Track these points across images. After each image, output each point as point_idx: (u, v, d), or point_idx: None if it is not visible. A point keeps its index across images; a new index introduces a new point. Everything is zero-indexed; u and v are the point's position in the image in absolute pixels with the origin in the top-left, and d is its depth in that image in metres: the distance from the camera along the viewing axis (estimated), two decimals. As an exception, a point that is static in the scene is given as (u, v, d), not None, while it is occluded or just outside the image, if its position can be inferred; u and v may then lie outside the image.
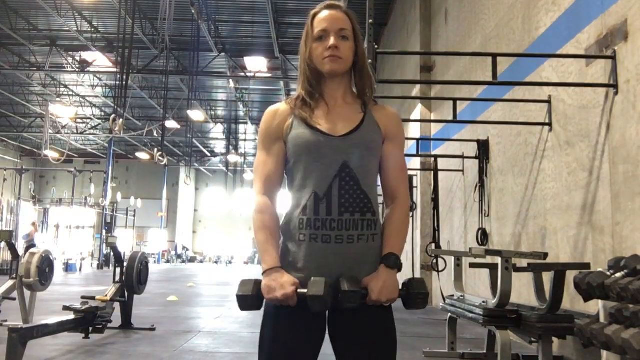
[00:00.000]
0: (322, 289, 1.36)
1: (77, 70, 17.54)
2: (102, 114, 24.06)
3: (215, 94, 22.19)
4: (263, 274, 1.45)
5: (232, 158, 29.50)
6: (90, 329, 4.80)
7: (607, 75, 3.82)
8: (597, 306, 3.07)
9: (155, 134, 23.33)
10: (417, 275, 9.10)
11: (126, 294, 5.75)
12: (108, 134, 24.89)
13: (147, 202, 29.01)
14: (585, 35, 4.15)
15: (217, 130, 27.44)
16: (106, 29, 15.45)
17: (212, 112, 23.77)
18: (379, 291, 1.41)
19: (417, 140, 7.60)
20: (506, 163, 5.85)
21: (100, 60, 16.65)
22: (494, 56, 4.07)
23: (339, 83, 1.56)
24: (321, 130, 1.49)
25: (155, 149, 14.87)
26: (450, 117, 5.45)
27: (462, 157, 7.06)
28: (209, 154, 31.43)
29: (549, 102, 4.80)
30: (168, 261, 31.88)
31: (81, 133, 26.31)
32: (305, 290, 1.38)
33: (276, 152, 1.54)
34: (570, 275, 3.19)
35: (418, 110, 9.40)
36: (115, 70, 16.19)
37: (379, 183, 1.59)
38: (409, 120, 9.27)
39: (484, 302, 3.71)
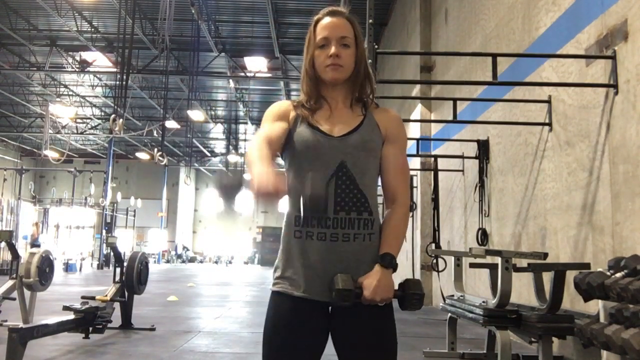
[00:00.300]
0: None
1: (77, 70, 17.54)
2: (102, 114, 24.06)
3: (215, 94, 22.19)
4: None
5: (232, 158, 29.49)
6: (90, 329, 4.80)
7: (607, 75, 3.82)
8: (597, 306, 3.08)
9: (155, 134, 23.33)
10: (417, 275, 9.10)
11: (126, 294, 5.75)
12: (108, 134, 24.88)
13: (147, 202, 29.01)
14: (585, 35, 4.15)
15: (217, 130, 27.45)
16: (106, 29, 15.45)
17: (212, 112, 23.78)
18: (373, 290, 1.42)
19: (417, 140, 7.60)
20: (506, 163, 5.85)
21: (100, 60, 16.65)
22: (494, 56, 4.07)
23: (339, 89, 1.58)
24: (321, 129, 1.52)
25: (155, 149, 14.88)
26: (450, 117, 5.45)
27: (462, 157, 7.06)
28: (209, 154, 31.43)
29: (549, 102, 4.80)
30: (168, 261, 31.88)
31: (81, 133, 26.32)
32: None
33: (281, 126, 1.53)
34: (570, 275, 3.19)
35: (418, 110, 9.40)
36: (115, 70, 16.19)
37: (379, 183, 1.60)
38: (409, 120, 9.26)
39: (484, 302, 3.71)
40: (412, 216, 9.60)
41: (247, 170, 1.39)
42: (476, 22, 6.99)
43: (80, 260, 20.69)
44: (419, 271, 9.10)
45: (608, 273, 2.71)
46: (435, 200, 7.10)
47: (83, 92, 21.40)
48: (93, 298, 5.17)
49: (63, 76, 19.45)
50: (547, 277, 3.48)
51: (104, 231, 22.88)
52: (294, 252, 1.49)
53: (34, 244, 15.56)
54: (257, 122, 23.87)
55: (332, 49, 1.51)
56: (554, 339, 3.57)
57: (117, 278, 5.75)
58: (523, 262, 3.84)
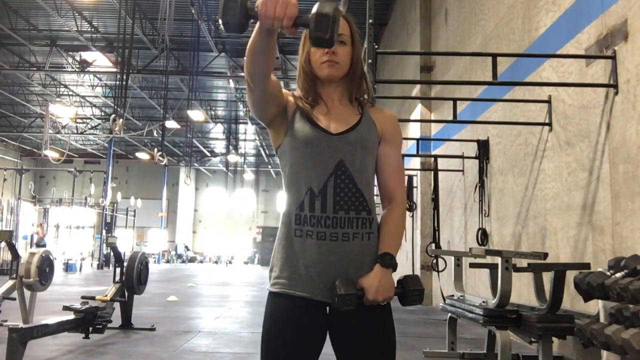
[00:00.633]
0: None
1: (77, 70, 17.54)
2: (102, 114, 24.05)
3: (215, 94, 22.19)
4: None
5: (232, 158, 29.49)
6: (90, 329, 4.80)
7: (607, 75, 3.82)
8: (597, 306, 3.08)
9: (155, 134, 23.33)
10: (417, 274, 9.08)
11: (126, 294, 5.75)
12: (108, 134, 24.88)
13: (147, 202, 29.00)
14: (585, 35, 4.15)
15: (217, 130, 27.45)
16: (106, 29, 15.45)
17: (212, 112, 23.77)
18: (375, 291, 1.42)
19: (417, 140, 7.60)
20: (506, 163, 5.85)
21: (100, 60, 16.64)
22: (494, 56, 4.07)
23: (335, 87, 1.58)
24: (320, 126, 1.51)
25: (155, 149, 14.88)
26: (450, 117, 5.45)
27: (462, 157, 7.06)
28: (209, 154, 31.42)
29: (549, 102, 4.80)
30: (168, 261, 31.88)
31: (81, 133, 26.31)
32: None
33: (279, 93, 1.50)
34: (570, 275, 3.20)
35: (418, 110, 9.40)
36: (115, 70, 16.18)
37: (376, 183, 1.60)
38: (409, 120, 9.28)
39: (484, 302, 3.71)
40: (412, 216, 9.60)
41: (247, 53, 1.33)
42: (476, 22, 6.99)
43: (80, 260, 20.69)
44: (419, 271, 9.10)
45: (608, 273, 2.71)
46: (435, 200, 7.10)
47: (83, 92, 21.39)
48: (93, 298, 5.17)
49: (63, 76, 19.45)
50: (547, 277, 3.48)
51: (104, 231, 22.87)
52: (293, 251, 1.48)
53: (39, 244, 15.53)
54: (257, 122, 23.85)
55: None
56: (554, 339, 3.57)
57: (117, 278, 5.75)
58: (523, 262, 3.84)
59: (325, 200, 1.46)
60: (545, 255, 3.40)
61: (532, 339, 3.60)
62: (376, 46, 4.39)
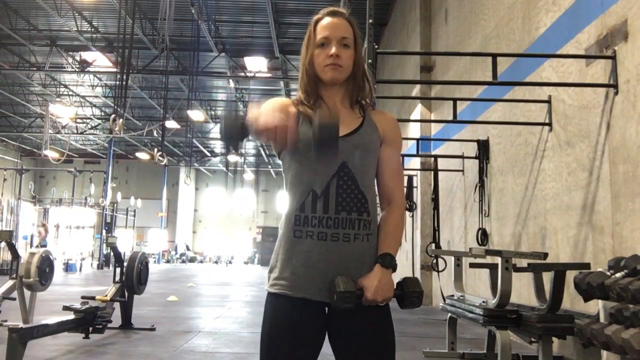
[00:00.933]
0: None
1: (77, 70, 17.54)
2: (102, 114, 24.05)
3: (215, 94, 22.19)
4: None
5: (232, 158, 29.49)
6: (90, 329, 4.80)
7: (607, 75, 3.82)
8: (597, 306, 3.08)
9: (155, 134, 23.32)
10: (417, 275, 9.09)
11: (126, 294, 5.75)
12: (108, 134, 24.88)
13: (147, 202, 29.00)
14: (585, 35, 4.15)
15: (217, 130, 27.43)
16: (106, 29, 15.45)
17: (212, 112, 23.78)
18: (375, 291, 1.42)
19: (417, 140, 7.60)
20: (506, 163, 5.85)
21: (100, 60, 16.65)
22: (494, 56, 4.07)
23: (337, 89, 1.59)
24: None
25: (155, 149, 14.87)
26: (450, 117, 5.45)
27: (462, 157, 7.06)
28: (209, 154, 31.42)
29: (549, 102, 4.80)
30: (168, 261, 31.88)
31: (81, 133, 26.31)
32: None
33: (282, 117, 1.48)
34: (570, 275, 3.20)
35: (418, 110, 9.40)
36: (115, 70, 16.18)
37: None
38: (409, 120, 9.28)
39: (484, 302, 3.71)
40: (412, 216, 9.60)
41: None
42: (476, 22, 6.99)
43: (80, 260, 20.68)
44: (419, 271, 9.10)
45: (608, 273, 2.71)
46: (435, 200, 7.10)
47: (83, 92, 21.39)
48: (93, 298, 5.17)
49: (63, 76, 19.45)
50: (547, 277, 3.48)
51: (104, 231, 22.87)
52: (293, 252, 1.48)
53: (42, 244, 15.53)
54: (257, 122, 23.82)
55: (333, 49, 1.51)
56: (554, 339, 3.57)
57: (117, 278, 5.75)
58: (523, 262, 3.84)
59: (327, 201, 1.46)
60: (545, 255, 3.40)
61: (532, 339, 3.60)
62: (376, 46, 4.39)
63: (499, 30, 6.15)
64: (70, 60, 17.22)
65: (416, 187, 9.41)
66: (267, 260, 30.73)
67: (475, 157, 6.49)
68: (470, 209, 7.04)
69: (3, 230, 10.33)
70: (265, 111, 1.35)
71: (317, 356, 1.49)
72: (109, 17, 14.40)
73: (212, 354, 4.62)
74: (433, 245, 6.86)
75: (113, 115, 11.51)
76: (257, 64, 16.33)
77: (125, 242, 24.78)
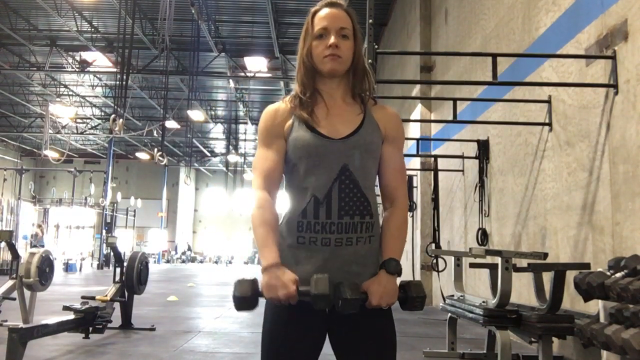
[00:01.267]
0: (326, 287, 1.35)
1: (77, 70, 17.54)
2: (102, 114, 24.06)
3: (215, 94, 22.20)
4: (263, 270, 1.42)
5: (232, 158, 29.50)
6: (90, 329, 4.79)
7: (607, 75, 3.82)
8: (597, 306, 3.08)
9: (155, 134, 23.32)
10: (417, 275, 9.09)
11: (126, 294, 5.75)
12: (108, 134, 24.88)
13: (147, 202, 29.01)
14: (585, 35, 4.15)
15: (217, 130, 27.45)
16: (106, 29, 15.45)
17: (212, 112, 23.78)
18: (380, 296, 1.40)
19: (417, 140, 7.60)
20: (506, 163, 5.85)
21: (100, 60, 16.65)
22: (494, 56, 4.07)
23: (338, 82, 1.54)
24: (322, 133, 1.47)
25: (155, 149, 14.87)
26: (450, 117, 5.45)
27: (462, 157, 7.06)
28: (209, 154, 31.43)
29: (549, 102, 4.80)
30: (168, 261, 31.88)
31: (81, 133, 26.32)
32: (308, 288, 1.36)
33: (277, 149, 1.51)
34: (570, 275, 3.20)
35: (418, 110, 9.40)
36: (115, 70, 16.19)
37: (377, 183, 1.59)
38: (409, 120, 9.27)
39: (484, 302, 3.71)
40: (412, 216, 9.60)
41: (253, 232, 1.48)
42: (476, 22, 6.99)
43: (80, 260, 20.69)
44: (419, 271, 9.10)
45: (608, 273, 2.71)
46: (435, 200, 7.10)
47: (83, 92, 21.40)
48: (93, 298, 5.17)
49: (63, 76, 19.45)
50: (547, 277, 3.48)
51: (104, 231, 22.87)
52: (296, 258, 1.46)
53: (39, 244, 15.54)
54: (257, 122, 23.75)
55: (332, 39, 1.48)
56: (554, 339, 3.57)
57: (117, 278, 5.75)
58: (523, 262, 3.84)
59: (330, 206, 1.44)
60: (545, 255, 3.40)
61: (532, 339, 3.60)
62: (376, 46, 4.38)
63: (499, 30, 6.15)
64: (70, 60, 17.22)
65: (416, 187, 9.41)
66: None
67: (475, 157, 6.49)
68: (470, 209, 7.04)
69: (3, 230, 10.33)
70: (274, 283, 1.38)
71: (318, 356, 1.49)
72: (109, 17, 14.40)
73: (212, 354, 4.62)
74: (433, 245, 6.86)
75: (113, 115, 11.51)
76: (257, 64, 16.34)
77: (125, 242, 24.78)
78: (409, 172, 9.16)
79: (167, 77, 15.45)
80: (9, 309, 5.57)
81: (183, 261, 32.89)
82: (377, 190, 1.60)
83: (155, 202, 31.32)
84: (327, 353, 1.53)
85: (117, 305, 5.66)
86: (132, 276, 5.74)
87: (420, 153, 7.78)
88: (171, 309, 8.01)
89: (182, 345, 4.93)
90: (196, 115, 19.72)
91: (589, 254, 4.01)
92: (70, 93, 21.35)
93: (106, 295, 5.33)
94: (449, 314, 4.30)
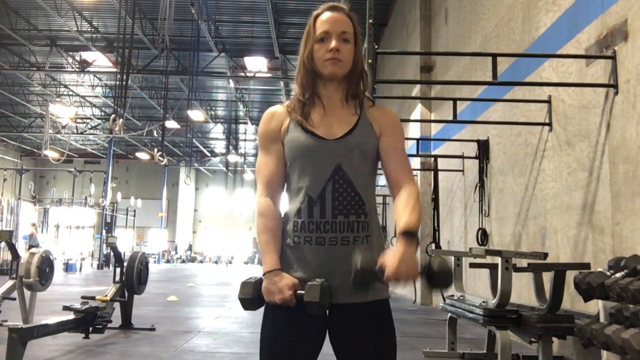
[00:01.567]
0: (317, 294, 1.36)
1: (77, 70, 17.54)
2: (102, 114, 24.06)
3: (215, 94, 22.20)
4: (263, 275, 1.46)
5: (232, 158, 29.51)
6: (90, 329, 4.79)
7: (607, 75, 3.82)
8: (597, 306, 3.08)
9: (155, 134, 23.33)
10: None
11: (126, 294, 5.75)
12: (108, 134, 24.89)
13: (147, 202, 29.01)
14: (585, 35, 4.15)
15: (217, 130, 27.46)
16: (106, 29, 15.45)
17: (212, 112, 23.78)
18: (397, 267, 1.33)
19: (417, 140, 7.60)
20: (506, 163, 5.85)
21: (100, 60, 16.65)
22: (494, 56, 4.07)
23: (337, 85, 1.56)
24: (316, 133, 1.50)
25: (155, 149, 14.87)
26: (450, 117, 5.45)
27: (462, 157, 7.06)
28: (209, 154, 31.44)
29: (549, 102, 4.80)
30: (168, 261, 31.89)
31: (81, 133, 26.32)
32: (303, 293, 1.39)
33: (276, 153, 1.55)
34: (570, 275, 3.20)
35: (418, 110, 9.40)
36: (115, 70, 16.19)
37: (379, 183, 1.59)
38: (409, 120, 9.27)
39: (484, 302, 3.71)
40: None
41: (256, 237, 1.54)
42: (476, 22, 6.99)
43: (80, 260, 20.70)
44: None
45: (608, 273, 2.72)
46: (435, 200, 7.10)
47: (83, 92, 21.40)
48: (93, 298, 5.17)
49: (63, 76, 19.45)
50: (547, 277, 3.48)
51: (104, 231, 22.88)
52: (291, 258, 1.48)
53: (33, 244, 15.55)
54: (257, 122, 23.85)
55: (333, 43, 1.50)
56: (554, 339, 3.57)
57: (117, 278, 5.75)
58: (523, 262, 3.84)
59: (324, 206, 1.45)
60: (545, 255, 3.40)
61: (532, 339, 3.60)
62: (376, 46, 4.38)
63: (499, 30, 6.15)
64: (70, 60, 17.23)
65: (416, 187, 9.39)
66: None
67: (475, 157, 6.49)
68: (470, 209, 7.04)
69: (3, 230, 10.32)
70: (271, 288, 1.44)
71: (317, 355, 1.49)
72: (109, 17, 14.40)
73: (212, 354, 4.62)
74: (433, 245, 6.87)
75: (113, 115, 11.51)
76: (257, 64, 16.34)
77: (125, 242, 24.79)
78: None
79: (167, 77, 15.46)
80: (9, 309, 5.57)
81: (183, 261, 32.91)
82: (378, 191, 1.60)
83: (155, 202, 31.33)
84: (327, 353, 1.53)
85: (117, 305, 5.66)
86: (132, 276, 5.74)
87: (420, 153, 7.79)
88: (171, 309, 8.01)
89: (182, 345, 4.93)
90: (196, 115, 19.73)
91: (589, 254, 4.01)
92: (70, 93, 21.36)
93: (106, 295, 5.33)
94: (449, 314, 4.30)
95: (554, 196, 4.65)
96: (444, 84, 8.39)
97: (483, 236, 6.34)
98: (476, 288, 6.42)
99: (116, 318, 5.53)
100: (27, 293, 5.29)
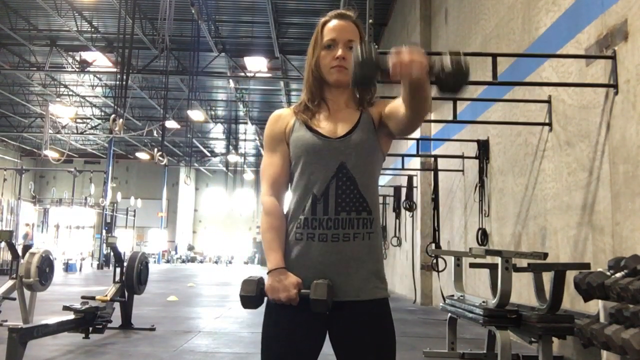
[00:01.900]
0: (324, 292, 1.39)
1: (77, 70, 17.54)
2: (102, 114, 24.06)
3: (215, 94, 22.19)
4: (268, 273, 1.48)
5: (232, 158, 29.51)
6: (90, 329, 4.79)
7: (607, 75, 3.82)
8: (597, 306, 3.08)
9: (155, 134, 23.32)
10: (417, 275, 9.10)
11: (126, 294, 5.75)
12: (108, 134, 24.88)
13: (147, 202, 29.01)
14: (585, 35, 4.15)
15: (217, 130, 27.45)
16: (106, 29, 15.45)
17: (212, 112, 23.77)
18: (403, 50, 1.21)
19: (417, 140, 7.59)
20: (506, 163, 5.85)
21: (100, 60, 16.64)
22: (494, 56, 4.07)
23: (342, 90, 1.59)
24: (320, 132, 1.53)
25: (155, 149, 14.87)
26: (450, 117, 5.45)
27: (462, 157, 7.06)
28: (209, 154, 31.43)
29: (549, 102, 4.80)
30: (168, 261, 31.89)
31: (81, 133, 26.32)
32: (308, 291, 1.41)
33: (281, 154, 1.58)
34: (570, 275, 3.20)
35: (418, 110, 9.37)
36: (115, 70, 16.18)
37: (379, 183, 1.60)
38: (409, 120, 9.26)
39: (484, 302, 3.71)
40: (412, 216, 9.60)
41: (262, 238, 1.54)
42: (476, 22, 6.99)
43: (80, 260, 20.69)
44: (419, 271, 9.10)
45: (608, 273, 2.72)
46: (435, 200, 7.10)
47: (83, 92, 21.40)
48: (93, 298, 5.17)
49: (63, 76, 19.45)
50: (547, 277, 3.48)
51: (104, 231, 22.88)
52: (294, 255, 1.50)
53: (27, 243, 15.56)
54: (257, 122, 23.89)
55: (339, 51, 1.53)
56: (554, 339, 3.57)
57: (117, 278, 5.75)
58: (523, 262, 3.84)
59: (327, 203, 1.48)
60: (545, 255, 3.40)
61: (532, 339, 3.60)
62: (376, 46, 4.38)
63: (499, 30, 6.15)
64: (70, 60, 17.22)
65: (416, 187, 9.41)
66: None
67: (475, 157, 6.49)
68: (470, 209, 7.04)
69: (3, 230, 10.33)
70: (276, 285, 1.44)
71: (318, 353, 1.50)
72: (109, 17, 14.40)
73: (212, 354, 4.62)
74: (433, 245, 6.86)
75: (113, 115, 11.51)
76: (257, 64, 16.33)
77: (125, 242, 24.79)
78: (409, 172, 9.16)
79: (167, 77, 15.45)
80: (9, 309, 5.57)
81: (183, 261, 32.90)
82: (381, 190, 1.60)
83: (155, 202, 31.33)
84: (327, 353, 1.53)
85: (117, 305, 5.66)
86: (132, 276, 5.74)
87: (420, 153, 7.78)
88: (171, 309, 8.01)
89: (182, 345, 4.93)
90: (196, 115, 19.72)
91: (589, 254, 4.01)
92: (70, 93, 21.35)
93: (106, 295, 5.33)
94: (449, 314, 4.30)
95: (554, 196, 4.65)
96: (444, 84, 8.37)
97: (483, 236, 6.33)
98: (476, 288, 6.42)
99: (116, 318, 5.53)
100: (27, 293, 5.29)
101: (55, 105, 20.60)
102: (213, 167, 35.84)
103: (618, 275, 2.61)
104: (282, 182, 1.57)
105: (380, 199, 11.42)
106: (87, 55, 16.92)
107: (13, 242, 5.94)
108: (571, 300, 4.04)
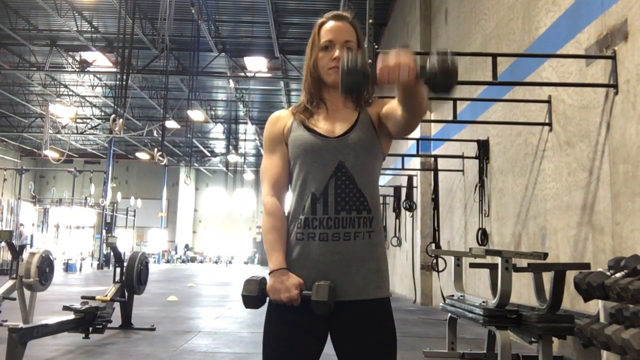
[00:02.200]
0: (326, 294, 1.39)
1: (77, 70, 17.54)
2: (102, 114, 24.06)
3: (215, 94, 22.19)
4: (270, 273, 1.48)
5: (232, 158, 29.51)
6: (90, 329, 4.79)
7: (607, 75, 3.82)
8: (597, 306, 3.08)
9: (155, 134, 23.33)
10: (417, 275, 9.10)
11: (126, 294, 5.75)
12: (108, 134, 24.88)
13: (147, 202, 29.01)
14: (585, 35, 4.15)
15: (217, 130, 27.45)
16: (106, 29, 15.45)
17: (212, 112, 23.77)
18: (390, 55, 1.19)
19: (417, 140, 7.59)
20: (506, 163, 5.85)
21: (100, 60, 16.64)
22: (494, 56, 4.07)
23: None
24: (318, 132, 1.54)
25: (155, 149, 14.87)
26: (450, 117, 5.45)
27: (462, 157, 7.06)
28: (209, 154, 31.43)
29: (549, 102, 4.80)
30: (168, 261, 31.89)
31: (81, 133, 26.31)
32: (310, 293, 1.41)
33: (281, 154, 1.58)
34: (570, 275, 3.20)
35: (418, 110, 9.37)
36: (115, 70, 16.19)
37: (379, 183, 1.60)
38: (409, 120, 9.26)
39: (484, 302, 3.71)
40: (412, 216, 9.60)
41: (263, 239, 1.55)
42: (476, 22, 6.99)
43: (80, 260, 20.70)
44: (419, 271, 9.10)
45: (608, 273, 2.72)
46: (435, 200, 7.10)
47: (83, 92, 21.40)
48: (93, 298, 5.17)
49: (63, 76, 19.45)
50: (547, 277, 3.48)
51: (104, 231, 22.88)
52: (295, 255, 1.50)
53: (21, 243, 15.59)
54: (257, 122, 23.89)
55: (336, 52, 1.54)
56: (554, 339, 3.57)
57: (117, 278, 5.75)
58: (523, 262, 3.85)
59: (327, 202, 1.48)
60: (545, 255, 3.40)
61: (532, 339, 3.60)
62: (376, 46, 4.39)
63: (499, 30, 6.15)
64: (70, 60, 17.22)
65: (416, 187, 9.41)
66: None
67: (475, 157, 6.49)
68: (470, 209, 7.04)
69: (3, 230, 10.32)
70: (278, 286, 1.45)
71: (320, 353, 1.50)
72: (109, 17, 14.40)
73: (212, 354, 4.62)
74: (433, 245, 6.86)
75: (113, 115, 11.51)
76: (257, 64, 16.33)
77: (125, 242, 24.80)
78: (409, 172, 9.16)
79: (167, 77, 15.45)
80: (9, 309, 5.57)
81: (183, 261, 32.90)
82: (381, 191, 1.61)
83: (155, 202, 31.33)
84: (328, 353, 1.53)
85: (117, 305, 5.66)
86: (132, 276, 5.74)
87: (420, 153, 7.78)
88: (171, 309, 8.01)
89: (182, 345, 4.93)
90: (196, 115, 19.72)
91: (589, 254, 4.01)
92: (70, 93, 21.35)
93: (106, 295, 5.33)
94: (449, 314, 4.30)
95: (554, 196, 4.65)
96: (444, 84, 8.37)
97: (483, 236, 6.34)
98: (476, 288, 6.43)
99: (116, 318, 5.53)
100: (27, 293, 5.29)
101: (55, 105, 20.60)
102: (213, 167, 35.84)
103: (618, 275, 2.61)
104: (283, 183, 1.58)
105: (381, 199, 11.43)
106: (87, 55, 16.92)
107: (13, 242, 5.93)
108: (571, 300, 4.04)
